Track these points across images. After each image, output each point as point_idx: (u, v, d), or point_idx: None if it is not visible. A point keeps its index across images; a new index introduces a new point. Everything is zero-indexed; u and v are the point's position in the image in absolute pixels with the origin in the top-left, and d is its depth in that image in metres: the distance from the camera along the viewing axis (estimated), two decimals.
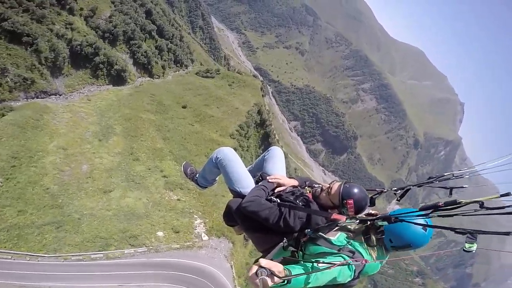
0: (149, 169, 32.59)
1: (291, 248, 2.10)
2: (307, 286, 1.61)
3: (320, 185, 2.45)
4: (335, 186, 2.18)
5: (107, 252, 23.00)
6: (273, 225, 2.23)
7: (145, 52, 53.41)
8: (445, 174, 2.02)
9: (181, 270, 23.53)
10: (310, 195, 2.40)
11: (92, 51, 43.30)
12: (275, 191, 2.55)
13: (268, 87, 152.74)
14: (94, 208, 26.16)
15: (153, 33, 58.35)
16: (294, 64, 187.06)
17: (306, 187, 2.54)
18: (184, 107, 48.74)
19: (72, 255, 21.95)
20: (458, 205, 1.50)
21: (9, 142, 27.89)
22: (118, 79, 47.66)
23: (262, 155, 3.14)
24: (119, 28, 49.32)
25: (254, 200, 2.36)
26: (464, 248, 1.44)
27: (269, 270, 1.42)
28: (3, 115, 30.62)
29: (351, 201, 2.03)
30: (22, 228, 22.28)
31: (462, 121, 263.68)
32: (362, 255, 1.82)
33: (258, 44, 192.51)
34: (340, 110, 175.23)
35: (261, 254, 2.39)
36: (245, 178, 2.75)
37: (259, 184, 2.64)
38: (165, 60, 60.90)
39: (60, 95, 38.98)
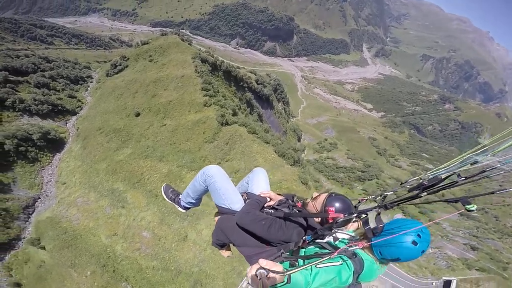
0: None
1: (289, 259, 1.96)
2: (308, 287, 1.61)
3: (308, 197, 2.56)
4: (322, 196, 2.32)
5: None
6: (270, 235, 2.23)
7: (35, 99, 39.21)
8: (414, 178, 2.07)
9: None
10: (300, 205, 2.54)
11: None
12: (266, 205, 2.62)
13: (183, 31, 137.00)
14: None
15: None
16: None
17: (295, 199, 2.62)
18: (137, 115, 39.93)
19: None
20: (440, 180, 1.66)
21: None
22: (54, 146, 36.54)
23: (246, 177, 3.22)
24: None
25: (249, 211, 2.43)
26: (467, 209, 1.53)
27: (269, 270, 1.40)
28: None
29: (332, 209, 2.13)
30: None
31: None
32: (363, 259, 1.84)
33: (131, 6, 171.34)
34: (261, 5, 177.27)
35: None
36: (234, 194, 2.73)
37: (251, 199, 2.68)
38: (66, 90, 46.32)
39: None
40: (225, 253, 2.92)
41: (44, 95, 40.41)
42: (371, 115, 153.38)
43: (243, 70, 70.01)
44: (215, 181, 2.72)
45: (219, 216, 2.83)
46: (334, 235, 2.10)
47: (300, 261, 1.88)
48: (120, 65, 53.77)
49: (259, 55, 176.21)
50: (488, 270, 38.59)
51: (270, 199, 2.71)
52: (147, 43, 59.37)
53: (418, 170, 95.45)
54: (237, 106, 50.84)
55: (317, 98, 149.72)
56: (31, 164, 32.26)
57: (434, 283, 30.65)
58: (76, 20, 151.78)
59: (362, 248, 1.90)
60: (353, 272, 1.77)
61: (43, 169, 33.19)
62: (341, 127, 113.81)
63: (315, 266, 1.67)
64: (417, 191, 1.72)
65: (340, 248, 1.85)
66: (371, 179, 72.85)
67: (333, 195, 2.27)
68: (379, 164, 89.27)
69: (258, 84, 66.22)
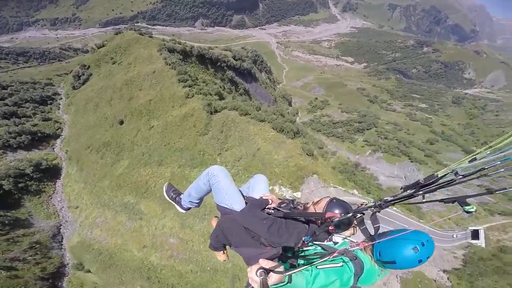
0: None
1: (289, 259, 1.96)
2: (309, 287, 1.59)
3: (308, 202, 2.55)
4: (323, 201, 2.35)
5: None
6: (270, 235, 2.25)
7: (9, 132, 35.14)
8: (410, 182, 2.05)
9: None
10: (302, 209, 2.55)
11: None
12: (268, 207, 2.62)
13: (139, 25, 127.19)
14: None
15: None
16: None
17: (295, 203, 2.65)
18: (121, 122, 37.08)
19: None
20: (436, 178, 1.64)
21: None
22: (51, 174, 34.25)
23: (247, 182, 3.27)
24: None
25: (251, 210, 2.51)
26: (466, 211, 1.52)
27: (269, 270, 1.41)
28: None
29: (328, 203, 2.24)
30: None
31: None
32: (364, 261, 1.82)
33: (68, 12, 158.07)
34: None
35: None
36: (236, 195, 2.75)
37: (253, 200, 2.75)
38: (37, 114, 41.91)
39: None
40: (221, 256, 3.08)
41: (17, 125, 36.51)
42: (354, 67, 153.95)
43: (216, 50, 65.18)
44: (218, 180, 2.76)
45: (217, 219, 2.94)
46: (333, 239, 2.07)
47: (301, 262, 1.85)
48: (83, 74, 48.64)
49: (229, 30, 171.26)
50: (510, 213, 39.39)
51: (271, 201, 2.73)
52: (104, 46, 53.72)
53: (412, 110, 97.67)
54: (221, 87, 47.60)
55: (298, 61, 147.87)
56: (38, 196, 31.51)
57: (455, 235, 29.89)
58: (12, 38, 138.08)
59: (364, 249, 1.89)
60: (354, 274, 1.73)
61: (51, 198, 32.55)
62: (328, 83, 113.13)
63: (316, 267, 1.66)
64: (413, 190, 1.70)
65: (340, 249, 1.82)
66: (370, 128, 72.75)
67: (334, 200, 2.29)
68: (374, 112, 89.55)
69: (236, 60, 61.98)
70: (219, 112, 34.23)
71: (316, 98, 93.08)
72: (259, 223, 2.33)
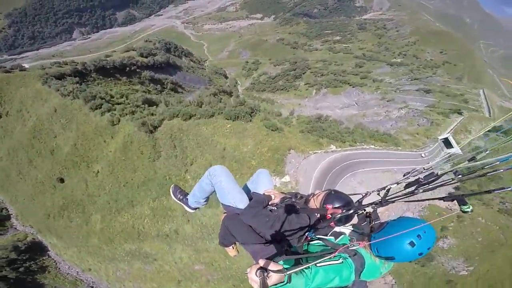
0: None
1: (293, 257, 1.97)
2: (308, 286, 1.58)
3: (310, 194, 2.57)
4: (322, 193, 2.36)
5: None
6: (273, 232, 2.27)
7: None
8: (415, 170, 2.15)
9: None
10: (304, 201, 2.55)
11: None
12: (270, 203, 2.68)
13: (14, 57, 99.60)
14: None
15: None
16: None
17: (298, 197, 2.66)
18: (62, 180, 29.72)
19: None
20: (436, 177, 1.68)
21: None
22: (38, 249, 28.39)
23: (251, 178, 3.31)
24: None
25: (254, 208, 2.53)
26: (462, 210, 1.53)
27: (269, 270, 1.40)
28: None
29: (330, 206, 2.17)
30: None
31: None
32: (364, 257, 1.81)
33: None
34: None
35: None
36: (239, 193, 2.78)
37: (256, 197, 2.75)
38: None
39: None
40: (232, 252, 3.11)
41: None
42: (266, 22, 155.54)
43: (117, 54, 54.40)
44: (220, 180, 2.80)
45: (226, 214, 2.89)
46: (336, 230, 2.06)
47: (304, 259, 1.86)
48: None
49: (120, 29, 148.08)
50: (456, 108, 44.21)
51: (274, 197, 2.76)
52: None
53: (330, 45, 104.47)
54: (145, 92, 40.59)
55: (212, 33, 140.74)
56: (47, 272, 26.60)
57: (423, 154, 30.15)
58: None
59: (366, 249, 1.89)
60: (354, 270, 1.73)
61: (59, 270, 27.64)
62: (250, 44, 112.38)
63: (315, 265, 1.64)
64: (413, 188, 1.73)
65: (341, 246, 1.82)
66: (305, 72, 75.63)
67: (332, 193, 2.30)
68: (301, 56, 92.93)
69: (145, 57, 53.03)
70: (160, 126, 28.94)
71: (247, 62, 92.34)
72: (262, 221, 2.35)
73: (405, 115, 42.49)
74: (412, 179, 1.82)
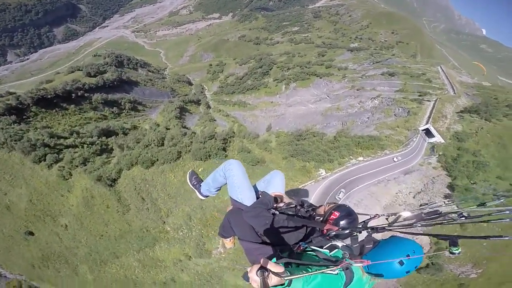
0: None
1: (285, 260, 1.92)
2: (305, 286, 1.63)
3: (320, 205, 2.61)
4: (332, 206, 2.35)
5: None
6: (269, 234, 2.34)
7: None
8: (433, 202, 2.30)
9: None
10: (312, 211, 2.55)
11: None
12: (276, 206, 2.69)
13: None
14: None
15: None
16: None
17: (305, 206, 2.66)
18: (31, 233, 26.08)
19: None
20: (438, 215, 1.72)
21: None
22: None
23: (264, 177, 3.37)
24: None
25: (256, 208, 2.55)
26: (450, 251, 1.56)
27: (270, 271, 1.39)
28: None
29: (333, 218, 2.20)
30: None
31: None
32: (354, 272, 1.85)
33: None
34: None
35: None
36: (248, 191, 2.88)
37: (262, 198, 2.77)
38: None
39: None
40: (228, 244, 3.25)
41: None
42: (224, 21, 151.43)
43: (60, 78, 47.60)
44: (233, 175, 2.90)
45: (231, 207, 3.02)
46: (332, 243, 2.08)
47: (295, 266, 1.87)
48: None
49: (62, 46, 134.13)
50: (424, 90, 44.45)
51: (280, 200, 2.84)
52: None
53: (291, 36, 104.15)
54: (100, 118, 36.08)
55: (168, 39, 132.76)
56: None
57: (395, 159, 29.92)
58: None
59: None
60: (344, 283, 1.80)
61: None
62: (212, 45, 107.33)
63: (312, 269, 1.71)
64: (413, 222, 1.78)
65: (333, 259, 1.90)
66: (271, 68, 74.08)
67: (340, 207, 2.30)
68: (264, 51, 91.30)
69: (93, 76, 47.08)
70: (119, 178, 25.00)
71: (211, 64, 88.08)
72: (261, 222, 2.38)
73: (380, 105, 42.64)
74: (415, 213, 1.86)
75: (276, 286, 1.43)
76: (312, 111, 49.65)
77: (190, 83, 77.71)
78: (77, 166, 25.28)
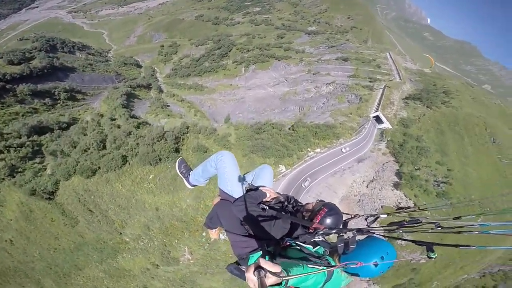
0: None
1: (292, 260, 1.99)
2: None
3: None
4: (319, 204, 2.43)
5: None
6: (255, 228, 2.38)
7: None
8: (410, 207, 2.54)
9: None
10: (299, 208, 2.62)
11: None
12: (264, 200, 2.74)
13: None
14: None
15: None
16: None
17: (292, 202, 2.74)
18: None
19: None
20: (419, 224, 1.88)
21: None
22: None
23: (252, 171, 3.38)
24: None
25: (244, 202, 2.54)
26: (428, 255, 1.68)
27: (267, 270, 1.39)
28: None
29: (319, 217, 2.25)
30: None
31: None
32: (334, 270, 1.95)
33: None
34: None
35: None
36: (238, 183, 2.85)
37: (252, 191, 2.80)
38: None
39: None
40: (213, 235, 3.32)
41: None
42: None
43: None
44: (224, 166, 2.88)
45: (219, 198, 3.00)
46: (315, 239, 2.20)
47: (280, 259, 1.93)
48: None
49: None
50: (373, 76, 45.96)
51: (269, 195, 2.82)
52: None
53: (252, 17, 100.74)
54: (27, 113, 31.28)
55: (112, 18, 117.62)
56: None
57: (343, 149, 30.84)
58: None
59: (334, 259, 2.07)
60: (325, 279, 1.88)
61: None
62: (164, 25, 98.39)
63: (308, 266, 1.75)
64: (396, 227, 1.90)
65: (320, 256, 2.04)
66: (231, 49, 71.53)
67: (327, 205, 2.34)
68: (224, 32, 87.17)
69: (17, 64, 39.52)
70: (57, 190, 21.76)
71: (162, 46, 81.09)
72: (249, 215, 2.40)
73: (334, 91, 44.35)
74: (396, 219, 1.98)
75: (273, 285, 1.41)
76: (270, 94, 49.67)
77: (138, 66, 70.76)
78: (3, 179, 21.23)
